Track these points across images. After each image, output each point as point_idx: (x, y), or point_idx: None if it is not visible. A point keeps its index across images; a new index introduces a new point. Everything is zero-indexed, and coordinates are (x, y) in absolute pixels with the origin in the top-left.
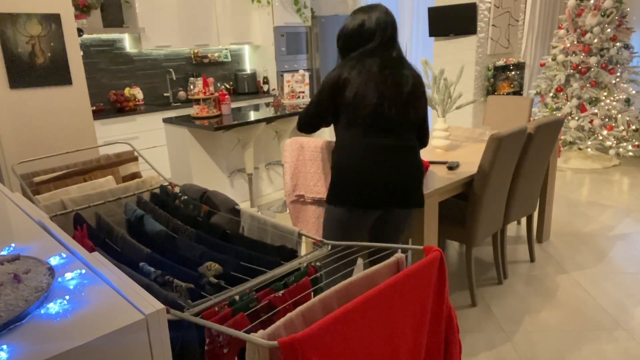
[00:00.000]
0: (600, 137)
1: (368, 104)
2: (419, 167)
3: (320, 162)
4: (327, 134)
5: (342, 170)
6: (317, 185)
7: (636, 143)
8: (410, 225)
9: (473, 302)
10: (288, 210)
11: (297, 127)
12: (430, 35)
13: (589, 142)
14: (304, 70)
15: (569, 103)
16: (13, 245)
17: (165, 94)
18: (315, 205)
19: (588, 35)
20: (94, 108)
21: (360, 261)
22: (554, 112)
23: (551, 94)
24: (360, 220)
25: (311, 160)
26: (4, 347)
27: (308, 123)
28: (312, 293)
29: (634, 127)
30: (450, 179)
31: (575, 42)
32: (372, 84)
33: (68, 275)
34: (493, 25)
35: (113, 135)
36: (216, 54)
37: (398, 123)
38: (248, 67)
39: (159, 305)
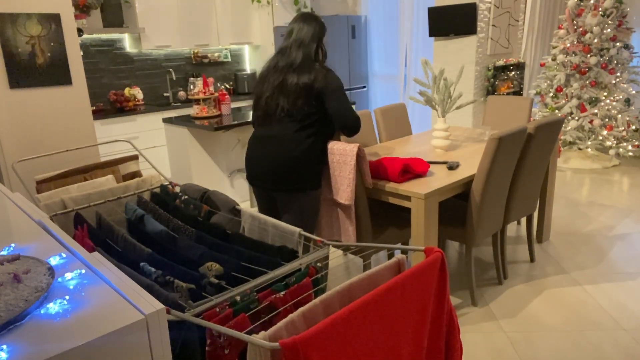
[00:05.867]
0: (600, 137)
1: (256, 99)
2: (289, 155)
3: (345, 165)
4: (359, 138)
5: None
6: (341, 189)
7: (636, 143)
8: (292, 212)
9: (473, 302)
10: None
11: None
12: (430, 35)
13: (589, 142)
14: None
15: (569, 103)
16: (13, 245)
17: (165, 94)
18: (339, 208)
19: (588, 35)
20: (94, 108)
21: (360, 262)
22: (554, 112)
23: (551, 94)
24: (257, 193)
25: (339, 164)
26: (4, 347)
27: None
28: (313, 294)
29: (634, 127)
30: (450, 179)
31: (575, 42)
32: (263, 83)
33: (68, 275)
34: (493, 25)
35: (113, 135)
36: (216, 54)
37: (273, 116)
38: (248, 67)
39: (159, 306)
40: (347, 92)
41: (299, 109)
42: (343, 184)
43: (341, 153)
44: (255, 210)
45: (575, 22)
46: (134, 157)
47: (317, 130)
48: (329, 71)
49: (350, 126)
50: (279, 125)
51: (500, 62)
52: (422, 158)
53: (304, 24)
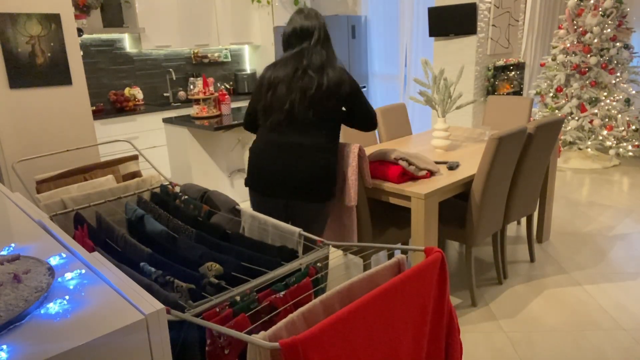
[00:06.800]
0: (600, 137)
1: (275, 104)
2: (321, 164)
3: (347, 167)
4: (360, 138)
5: (250, 160)
6: (344, 191)
7: (636, 143)
8: (320, 221)
9: (473, 302)
10: None
11: (243, 126)
12: (430, 35)
13: (589, 142)
14: None
15: (569, 103)
16: (13, 245)
17: (165, 94)
18: (341, 209)
19: (588, 35)
20: (94, 108)
21: (360, 262)
22: (554, 112)
23: (551, 94)
24: (263, 203)
25: (340, 165)
26: (4, 347)
27: (246, 121)
28: (313, 294)
29: (634, 127)
30: (450, 179)
31: (575, 42)
32: (283, 86)
33: (68, 275)
34: (493, 25)
35: (113, 135)
36: (216, 54)
37: (300, 122)
38: (248, 67)
39: (159, 306)
40: None
41: (329, 113)
42: (346, 185)
43: (342, 154)
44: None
45: (575, 22)
46: (134, 157)
47: (337, 135)
48: (347, 71)
49: (375, 124)
50: (306, 133)
51: (500, 62)
52: None
53: (319, 20)
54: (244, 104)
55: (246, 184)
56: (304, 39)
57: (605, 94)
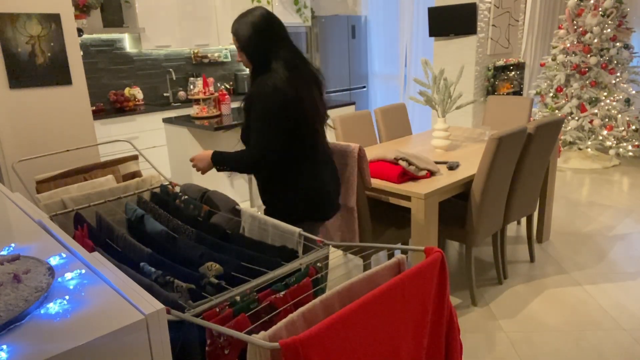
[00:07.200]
0: (600, 137)
1: (316, 115)
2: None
3: (346, 167)
4: (360, 139)
5: (311, 187)
6: (346, 193)
7: (636, 143)
8: None
9: (473, 302)
10: None
11: (261, 165)
12: (430, 35)
13: (589, 142)
14: None
15: (569, 103)
16: (13, 245)
17: (165, 94)
18: (343, 210)
19: (588, 35)
20: (94, 108)
21: (360, 262)
22: (554, 112)
23: (551, 94)
24: (316, 227)
25: (338, 165)
26: (4, 347)
27: (278, 150)
28: (313, 294)
29: (634, 127)
30: (450, 179)
31: (575, 42)
32: (316, 94)
33: (68, 275)
34: (493, 25)
35: (113, 135)
36: (216, 54)
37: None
38: None
39: (159, 306)
40: (347, 92)
41: None
42: (343, 187)
43: (342, 154)
44: (255, 210)
45: (575, 22)
46: (134, 157)
47: None
48: None
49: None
50: (327, 145)
51: (500, 62)
52: None
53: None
54: None
55: (307, 217)
56: (284, 39)
57: (605, 94)
